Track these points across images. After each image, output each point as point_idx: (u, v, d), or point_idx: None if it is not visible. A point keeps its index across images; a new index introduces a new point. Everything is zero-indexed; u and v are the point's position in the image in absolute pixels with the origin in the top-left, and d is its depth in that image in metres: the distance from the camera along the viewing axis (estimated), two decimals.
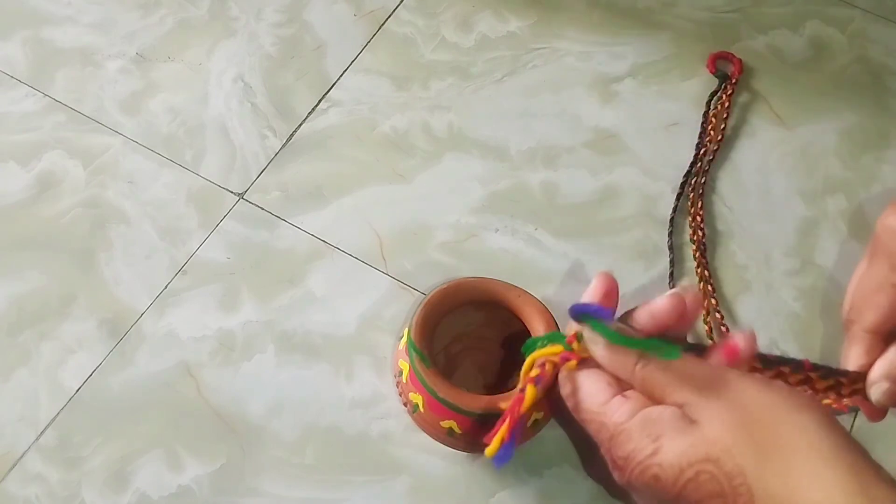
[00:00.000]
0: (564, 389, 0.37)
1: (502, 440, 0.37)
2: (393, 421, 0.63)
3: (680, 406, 0.33)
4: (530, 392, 0.37)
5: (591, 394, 0.36)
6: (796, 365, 0.37)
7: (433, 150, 0.76)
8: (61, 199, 0.72)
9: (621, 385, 0.36)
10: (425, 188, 0.73)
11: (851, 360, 0.40)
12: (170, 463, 0.61)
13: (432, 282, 0.68)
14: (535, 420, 0.54)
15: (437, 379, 0.52)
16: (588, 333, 0.37)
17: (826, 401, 0.46)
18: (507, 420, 0.37)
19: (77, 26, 0.82)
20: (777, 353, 0.65)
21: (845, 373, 0.38)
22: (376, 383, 0.64)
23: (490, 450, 0.37)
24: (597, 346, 0.36)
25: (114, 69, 0.79)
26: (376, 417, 0.63)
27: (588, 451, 0.39)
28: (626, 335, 0.36)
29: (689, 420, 0.33)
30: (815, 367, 0.37)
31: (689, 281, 0.69)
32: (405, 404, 0.56)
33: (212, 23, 0.83)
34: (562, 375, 0.38)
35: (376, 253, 0.70)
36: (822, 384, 0.37)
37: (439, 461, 0.61)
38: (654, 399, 0.35)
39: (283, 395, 0.64)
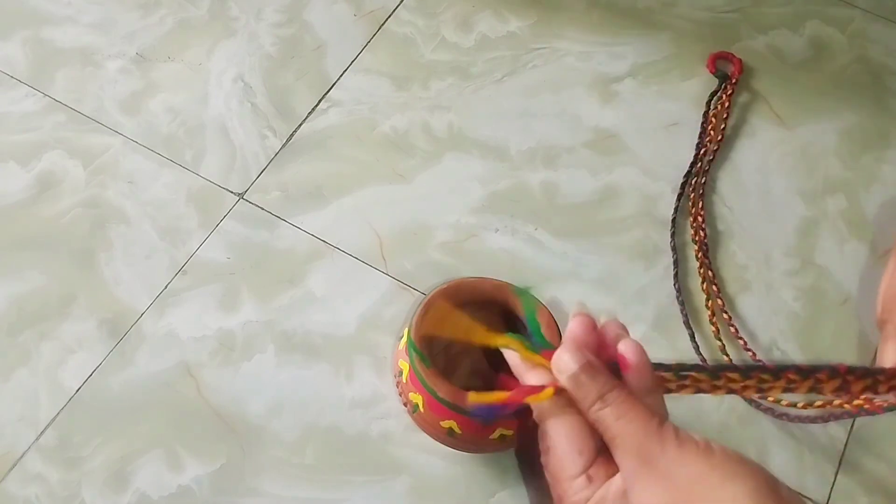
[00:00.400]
0: (542, 443, 0.38)
1: (493, 402, 0.37)
2: (393, 421, 0.63)
3: (621, 468, 0.34)
4: (547, 393, 0.37)
5: (562, 462, 0.36)
6: (832, 371, 0.37)
7: (433, 150, 0.76)
8: (61, 199, 0.72)
9: (593, 455, 0.36)
10: (425, 188, 0.73)
11: (887, 357, 0.40)
12: (170, 463, 0.61)
13: (432, 282, 0.68)
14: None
15: (437, 379, 0.52)
16: (554, 362, 0.37)
17: (857, 402, 0.45)
18: (511, 394, 0.37)
19: (77, 26, 0.82)
20: (777, 353, 0.66)
21: (881, 371, 0.38)
22: (376, 383, 0.64)
23: (474, 397, 0.37)
24: (562, 376, 0.37)
25: (114, 69, 0.79)
26: (376, 417, 0.63)
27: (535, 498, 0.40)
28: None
29: (627, 501, 0.33)
30: (850, 370, 0.37)
31: (692, 281, 0.69)
32: (405, 404, 0.56)
33: (212, 23, 0.83)
34: (542, 428, 0.38)
35: (376, 253, 0.70)
36: (858, 385, 0.37)
37: (439, 461, 0.61)
38: (604, 437, 0.36)
39: (283, 395, 0.64)
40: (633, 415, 0.35)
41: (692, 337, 0.66)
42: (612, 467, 0.35)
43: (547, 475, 0.37)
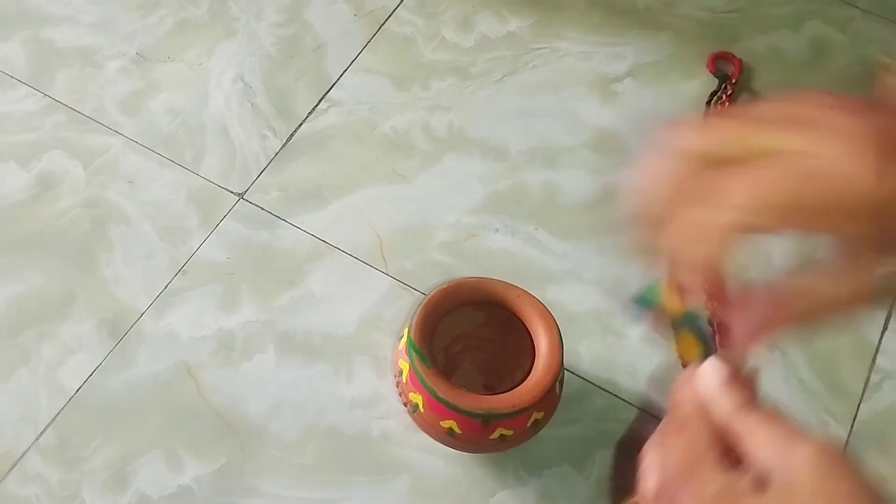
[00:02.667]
0: (670, 423, 0.37)
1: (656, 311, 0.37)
2: (393, 421, 0.63)
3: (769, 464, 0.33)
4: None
5: (697, 444, 0.35)
6: None
7: (433, 150, 0.76)
8: (61, 199, 0.72)
9: (723, 446, 0.35)
10: (425, 188, 0.73)
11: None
12: (170, 463, 0.61)
13: (432, 282, 0.68)
14: (536, 420, 0.54)
15: (437, 379, 0.52)
16: (709, 361, 0.37)
17: None
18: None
19: (77, 26, 0.82)
20: (777, 353, 0.66)
21: None
22: (376, 383, 0.64)
23: (636, 297, 0.37)
24: (709, 375, 0.36)
25: (114, 69, 0.79)
26: (376, 417, 0.63)
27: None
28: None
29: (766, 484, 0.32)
30: None
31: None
32: (405, 404, 0.56)
33: (212, 23, 0.83)
34: (680, 409, 0.37)
35: (376, 253, 0.70)
36: None
37: (439, 461, 0.61)
38: (734, 449, 0.34)
39: (283, 395, 0.64)
40: (787, 422, 0.34)
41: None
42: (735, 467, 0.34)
43: (669, 452, 0.35)
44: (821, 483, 0.31)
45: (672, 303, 0.38)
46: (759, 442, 0.34)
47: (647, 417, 0.64)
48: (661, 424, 0.37)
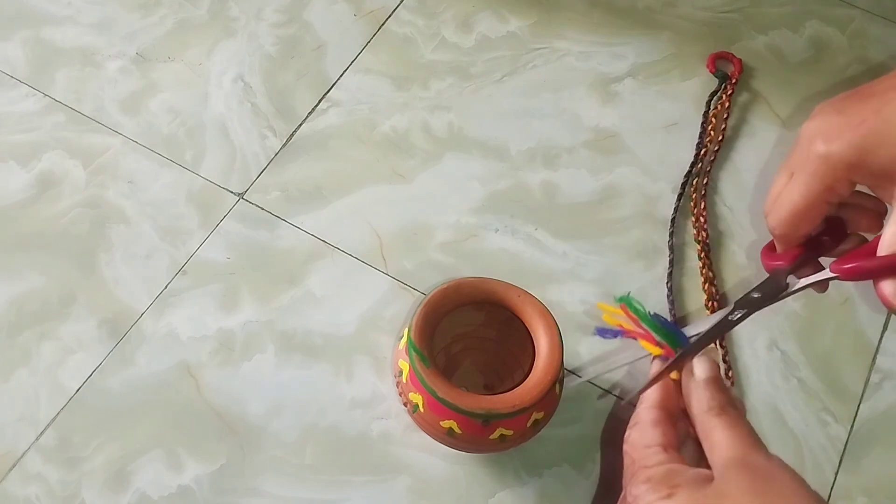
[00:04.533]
0: (632, 419, 0.41)
1: (618, 330, 0.43)
2: (393, 421, 0.63)
3: (719, 466, 0.36)
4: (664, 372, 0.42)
5: (643, 433, 0.40)
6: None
7: (433, 150, 0.76)
8: (61, 199, 0.72)
9: (673, 440, 0.39)
10: (425, 188, 0.74)
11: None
12: (170, 463, 0.61)
13: (432, 282, 0.68)
14: (536, 420, 0.54)
15: (437, 379, 0.52)
16: (697, 360, 0.41)
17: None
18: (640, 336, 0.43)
19: (77, 26, 0.82)
20: (777, 353, 0.66)
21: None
22: (376, 383, 0.64)
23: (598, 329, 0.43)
24: (701, 375, 0.40)
25: (114, 69, 0.79)
26: (376, 417, 0.63)
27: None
28: (656, 322, 0.42)
29: (709, 480, 0.36)
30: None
31: (690, 280, 0.69)
32: (405, 404, 0.56)
33: (212, 23, 0.83)
34: (637, 409, 0.42)
35: (376, 253, 0.70)
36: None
37: (439, 461, 0.61)
38: (706, 440, 0.38)
39: (283, 395, 0.64)
40: (745, 430, 0.38)
41: None
42: (686, 462, 0.38)
43: (626, 445, 0.41)
44: (750, 499, 0.34)
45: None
46: (714, 444, 0.38)
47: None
48: (631, 418, 0.42)
